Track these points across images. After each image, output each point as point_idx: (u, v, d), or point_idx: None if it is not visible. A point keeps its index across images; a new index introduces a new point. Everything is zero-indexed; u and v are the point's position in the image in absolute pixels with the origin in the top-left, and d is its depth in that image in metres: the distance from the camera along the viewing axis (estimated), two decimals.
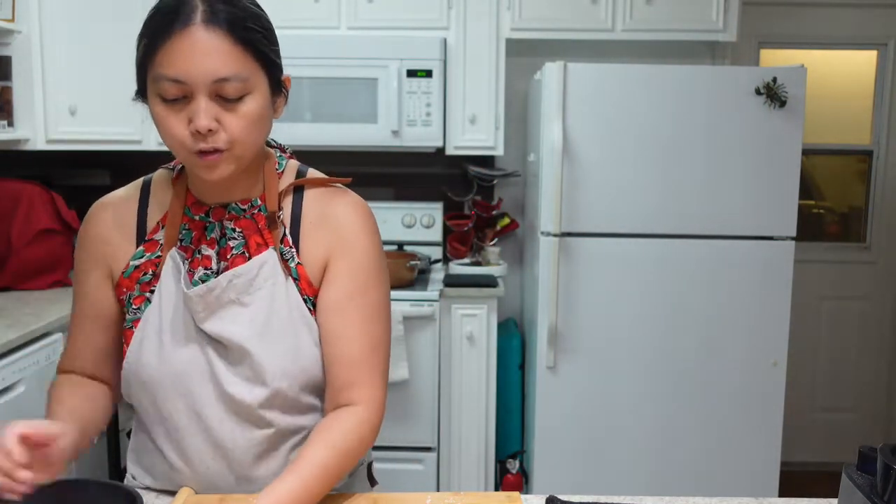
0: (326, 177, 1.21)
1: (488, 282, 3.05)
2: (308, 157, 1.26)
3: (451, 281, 3.05)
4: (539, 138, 2.88)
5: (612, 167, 2.75)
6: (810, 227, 3.81)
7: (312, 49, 2.98)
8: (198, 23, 1.00)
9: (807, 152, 3.03)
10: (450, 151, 3.19)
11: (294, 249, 1.15)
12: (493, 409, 3.05)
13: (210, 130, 1.02)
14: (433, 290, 2.95)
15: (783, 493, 2.90)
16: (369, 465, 1.37)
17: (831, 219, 3.91)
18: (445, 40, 3.10)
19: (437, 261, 3.42)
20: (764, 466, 2.84)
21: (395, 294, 2.91)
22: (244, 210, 1.15)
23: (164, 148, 3.56)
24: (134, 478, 1.27)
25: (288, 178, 1.19)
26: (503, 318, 3.49)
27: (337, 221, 1.16)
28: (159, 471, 1.23)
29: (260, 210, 1.15)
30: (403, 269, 3.00)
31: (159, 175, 1.22)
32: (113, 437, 2.41)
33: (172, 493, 1.21)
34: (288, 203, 1.17)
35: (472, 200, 3.46)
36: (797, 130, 2.72)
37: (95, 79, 2.98)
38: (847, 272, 3.80)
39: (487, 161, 3.46)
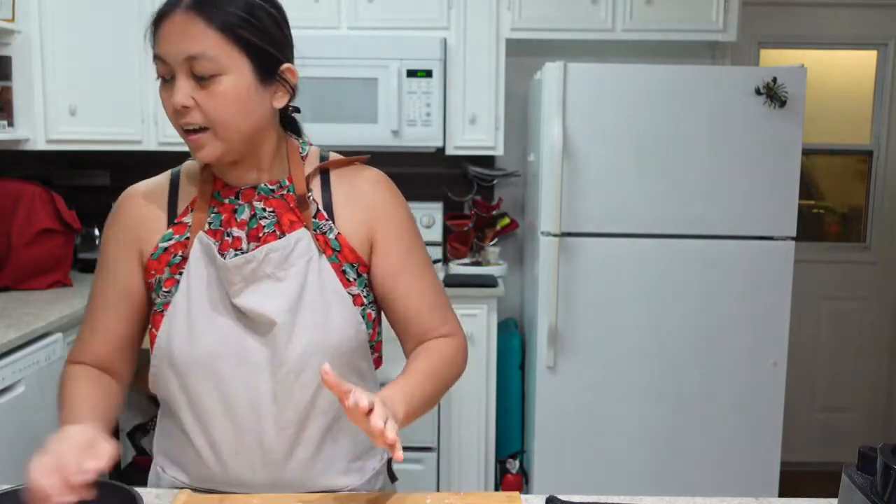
0: (347, 157, 1.28)
1: (488, 282, 3.05)
2: None
3: (451, 281, 3.05)
4: (539, 138, 2.88)
5: (612, 167, 2.75)
6: (810, 227, 3.81)
7: (312, 49, 2.98)
8: (182, 7, 1.09)
9: (807, 152, 3.03)
10: (450, 151, 3.19)
11: (331, 222, 1.20)
12: (493, 409, 3.05)
13: (185, 107, 1.09)
14: None
15: (783, 493, 2.90)
16: (389, 461, 1.38)
17: (831, 219, 3.91)
18: (445, 40, 3.10)
19: (437, 261, 3.42)
20: (764, 466, 2.84)
21: None
22: (273, 190, 1.20)
23: (165, 148, 3.54)
24: (163, 469, 1.27)
25: (312, 161, 1.25)
26: (503, 318, 3.49)
27: (368, 196, 1.23)
28: (187, 459, 1.23)
29: (289, 190, 1.20)
30: None
31: (188, 164, 1.26)
32: (113, 437, 2.41)
33: (189, 488, 1.22)
34: (316, 184, 1.23)
35: (472, 200, 3.46)
36: (797, 130, 2.72)
37: (95, 79, 2.98)
38: (847, 272, 3.80)
39: (487, 161, 3.46)
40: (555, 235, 2.75)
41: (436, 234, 3.45)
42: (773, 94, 2.69)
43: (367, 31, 3.11)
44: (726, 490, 2.82)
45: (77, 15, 2.93)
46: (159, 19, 1.11)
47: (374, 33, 3.09)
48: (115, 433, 2.41)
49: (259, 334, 1.16)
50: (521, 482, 3.09)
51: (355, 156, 1.29)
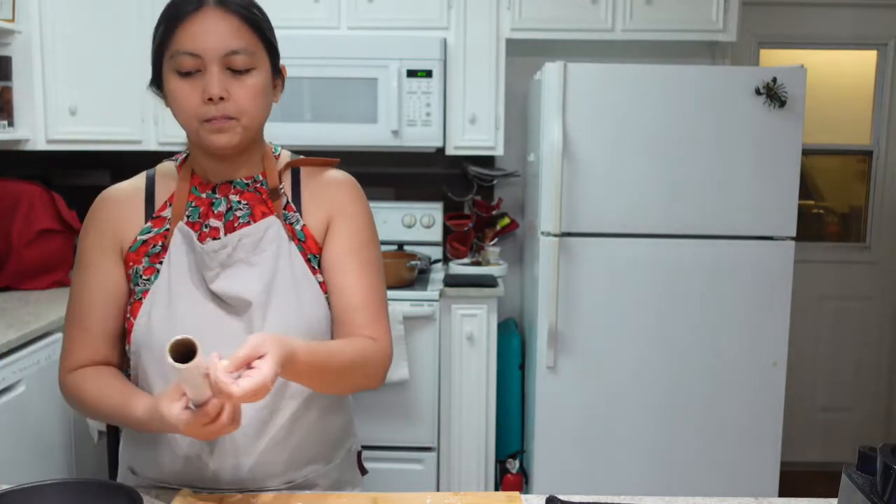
0: (319, 158, 1.34)
1: (488, 282, 3.05)
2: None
3: (451, 281, 3.05)
4: (539, 138, 2.88)
5: (612, 167, 2.75)
6: (810, 227, 3.81)
7: (312, 49, 2.98)
8: (210, 4, 1.15)
9: (807, 152, 3.03)
10: (450, 151, 3.19)
11: (298, 214, 1.27)
12: (493, 409, 3.05)
13: (221, 98, 1.15)
14: (433, 290, 2.95)
15: (783, 493, 2.90)
16: (359, 454, 1.41)
17: (831, 219, 3.91)
18: (445, 40, 3.10)
19: (437, 261, 3.42)
20: (764, 466, 2.84)
21: (394, 294, 2.91)
22: (248, 185, 1.26)
23: (165, 148, 3.55)
24: (133, 471, 1.28)
25: (284, 160, 1.31)
26: (503, 318, 3.49)
27: (333, 192, 1.29)
28: (161, 449, 1.23)
29: (262, 184, 1.27)
30: (403, 269, 3.00)
31: (163, 165, 1.32)
32: (112, 437, 2.41)
33: (167, 489, 1.22)
34: (287, 179, 1.29)
35: (472, 200, 3.46)
36: (797, 130, 2.72)
37: (95, 79, 2.98)
38: (847, 272, 3.80)
39: (487, 161, 3.46)
40: (555, 235, 2.75)
41: (436, 234, 3.45)
42: (773, 94, 2.69)
43: (367, 31, 3.11)
44: (726, 490, 2.82)
45: (77, 15, 2.92)
46: (184, 16, 1.15)
47: (374, 33, 3.09)
48: (116, 432, 2.41)
49: (236, 315, 1.20)
50: (521, 482, 3.09)
51: (326, 158, 1.34)
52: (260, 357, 1.00)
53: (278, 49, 1.25)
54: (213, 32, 1.14)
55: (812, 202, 3.86)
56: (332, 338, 1.27)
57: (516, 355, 3.23)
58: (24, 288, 2.80)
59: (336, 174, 1.32)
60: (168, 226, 1.24)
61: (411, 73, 3.04)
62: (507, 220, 3.42)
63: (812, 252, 3.73)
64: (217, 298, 1.21)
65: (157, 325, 1.19)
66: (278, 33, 1.26)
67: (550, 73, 2.73)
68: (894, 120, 3.73)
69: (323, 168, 1.32)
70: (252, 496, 1.19)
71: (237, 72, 1.16)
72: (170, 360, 0.94)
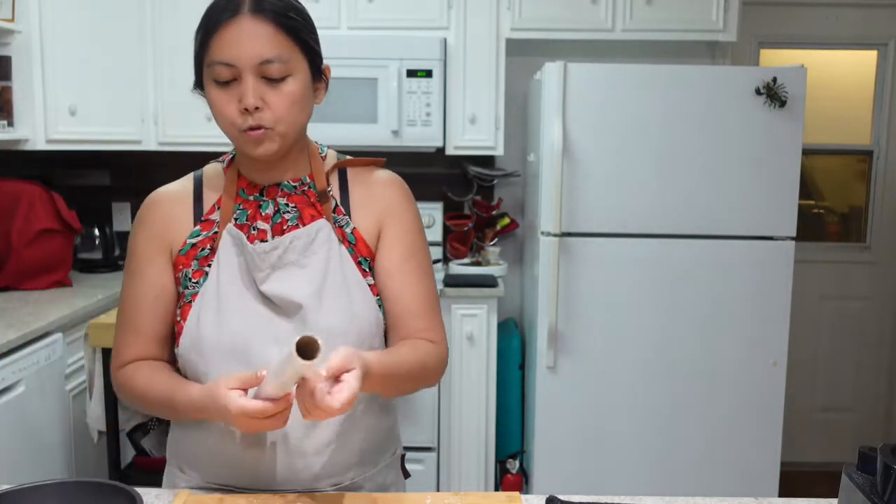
0: (365, 158, 1.33)
1: (488, 282, 3.05)
2: None
3: (451, 281, 3.05)
4: (539, 138, 2.88)
5: (612, 167, 2.75)
6: (810, 227, 3.81)
7: None
8: (245, 12, 1.14)
9: (807, 152, 3.03)
10: (450, 151, 3.19)
11: (347, 217, 1.26)
12: (493, 409, 3.05)
13: (257, 108, 1.14)
14: None
15: (783, 493, 2.90)
16: (402, 457, 1.41)
17: (831, 219, 3.91)
18: (445, 40, 3.10)
19: (437, 261, 3.42)
20: (764, 466, 2.84)
21: None
22: (295, 187, 1.26)
23: (164, 148, 3.53)
24: (182, 469, 1.28)
25: (330, 162, 1.31)
26: (503, 318, 3.49)
27: (382, 193, 1.29)
28: (206, 451, 1.23)
29: (310, 187, 1.26)
30: None
31: (210, 167, 1.31)
32: (113, 437, 2.41)
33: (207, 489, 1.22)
34: (335, 180, 1.29)
35: (472, 200, 3.46)
36: (797, 130, 2.72)
37: (95, 79, 2.98)
38: (847, 272, 3.80)
39: (487, 161, 3.46)
40: (555, 235, 2.75)
41: (436, 234, 3.45)
42: (773, 94, 2.69)
43: (367, 31, 3.11)
44: (726, 490, 2.82)
45: (77, 15, 2.92)
46: (219, 24, 1.14)
47: (374, 33, 3.09)
48: (116, 433, 2.41)
49: (286, 317, 1.20)
50: (521, 482, 3.09)
51: (372, 158, 1.34)
52: (348, 371, 1.01)
53: (320, 51, 1.23)
54: (246, 42, 1.13)
55: (812, 202, 3.86)
56: (386, 341, 1.28)
57: (516, 355, 3.23)
58: (24, 288, 2.80)
59: (383, 174, 1.31)
60: (216, 229, 1.24)
61: (411, 73, 3.04)
62: (507, 220, 3.42)
63: (812, 252, 3.73)
64: (267, 300, 1.20)
65: (206, 327, 1.19)
66: None
67: (550, 73, 2.73)
68: (894, 120, 3.73)
69: (370, 168, 1.32)
70: (253, 496, 1.18)
71: (273, 80, 1.15)
72: (294, 351, 0.95)
